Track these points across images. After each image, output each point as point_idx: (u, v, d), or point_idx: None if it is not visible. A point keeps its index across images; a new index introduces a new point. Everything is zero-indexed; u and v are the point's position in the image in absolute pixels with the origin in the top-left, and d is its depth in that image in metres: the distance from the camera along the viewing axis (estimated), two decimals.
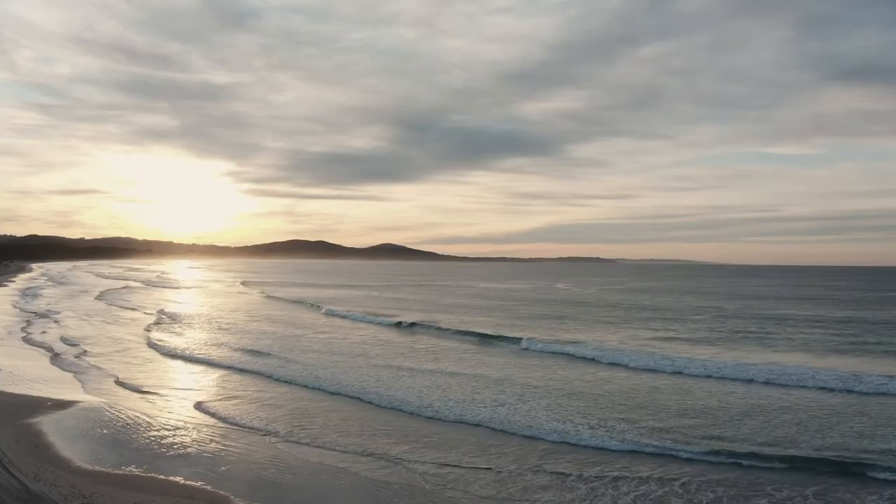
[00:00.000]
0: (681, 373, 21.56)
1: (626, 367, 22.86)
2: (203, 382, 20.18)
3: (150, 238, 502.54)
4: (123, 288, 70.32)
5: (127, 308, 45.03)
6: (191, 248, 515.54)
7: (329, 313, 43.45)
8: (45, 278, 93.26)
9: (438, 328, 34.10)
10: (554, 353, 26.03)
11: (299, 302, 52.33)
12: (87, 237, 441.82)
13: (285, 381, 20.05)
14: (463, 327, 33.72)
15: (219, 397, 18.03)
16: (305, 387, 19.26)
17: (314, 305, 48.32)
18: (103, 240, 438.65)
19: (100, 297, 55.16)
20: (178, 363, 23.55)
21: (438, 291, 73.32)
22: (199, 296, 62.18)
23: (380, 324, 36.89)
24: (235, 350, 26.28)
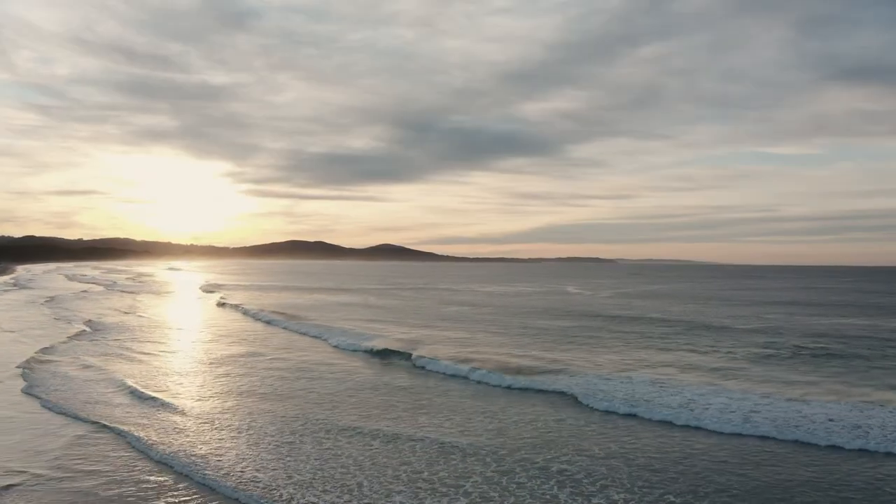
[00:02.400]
0: (800, 441, 14.20)
1: (721, 433, 15.53)
2: (47, 447, 13.10)
3: (149, 239, 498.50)
4: (82, 293, 63.23)
5: (61, 318, 37.94)
6: (189, 248, 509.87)
7: (275, 326, 36.39)
8: (14, 282, 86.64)
9: (431, 357, 25.04)
10: (611, 412, 16.85)
11: (256, 313, 42.86)
12: (85, 238, 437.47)
13: (152, 458, 12.75)
14: (470, 354, 25.80)
15: (41, 486, 10.84)
16: (174, 470, 12.04)
17: (262, 319, 40.13)
18: (101, 240, 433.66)
19: (47, 303, 48.43)
20: (34, 408, 16.48)
21: (438, 297, 66.08)
22: (150, 302, 54.23)
23: (345, 348, 27.89)
24: (120, 388, 18.96)
